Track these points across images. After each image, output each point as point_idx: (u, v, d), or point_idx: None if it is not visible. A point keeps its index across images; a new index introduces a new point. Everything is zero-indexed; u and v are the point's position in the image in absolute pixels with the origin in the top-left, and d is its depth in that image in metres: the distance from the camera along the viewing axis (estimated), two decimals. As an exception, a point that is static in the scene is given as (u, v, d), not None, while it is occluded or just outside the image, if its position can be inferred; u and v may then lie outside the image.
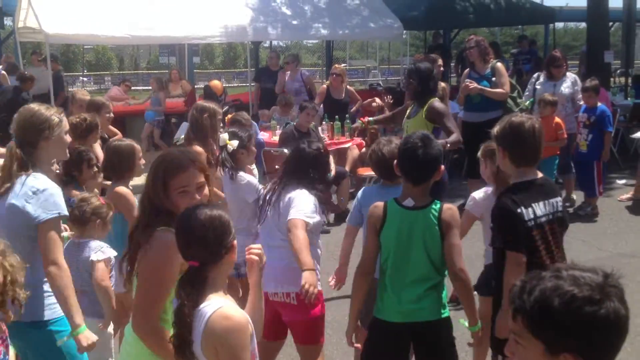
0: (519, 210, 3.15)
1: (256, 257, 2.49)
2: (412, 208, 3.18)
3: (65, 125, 3.40)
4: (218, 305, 2.27)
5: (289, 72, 11.31)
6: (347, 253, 4.17)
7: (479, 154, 4.39)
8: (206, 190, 2.68)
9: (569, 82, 8.39)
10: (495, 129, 3.33)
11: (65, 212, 3.21)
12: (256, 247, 2.52)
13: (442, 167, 3.27)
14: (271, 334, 3.75)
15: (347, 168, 8.58)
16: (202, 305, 2.28)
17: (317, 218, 3.69)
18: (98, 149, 5.47)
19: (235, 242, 2.37)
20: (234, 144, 4.44)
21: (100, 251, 3.82)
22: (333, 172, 7.97)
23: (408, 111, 6.17)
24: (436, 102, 5.89)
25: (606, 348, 1.54)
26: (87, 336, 3.06)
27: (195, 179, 2.65)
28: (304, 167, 3.82)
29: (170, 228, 2.51)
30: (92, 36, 10.78)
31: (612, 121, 8.36)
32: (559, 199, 3.30)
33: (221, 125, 5.77)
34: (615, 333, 1.53)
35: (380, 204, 3.27)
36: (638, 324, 5.05)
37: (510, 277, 3.10)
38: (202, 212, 2.34)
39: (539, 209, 3.20)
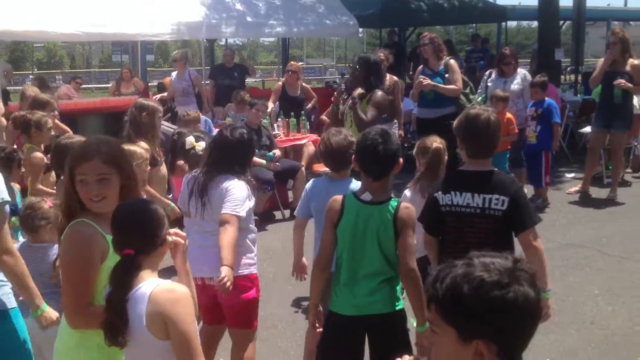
0: (435, 194, 3.35)
1: (181, 240, 2.54)
2: (370, 203, 3.19)
3: (1, 108, 3.34)
4: (156, 283, 2.34)
5: (176, 70, 11.20)
6: (300, 245, 4.20)
7: (414, 152, 4.52)
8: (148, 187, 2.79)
9: (519, 78, 8.53)
10: (455, 121, 3.44)
11: (8, 197, 3.12)
12: (178, 231, 2.58)
13: (401, 160, 3.30)
14: (211, 319, 3.88)
15: (303, 164, 8.60)
16: (136, 288, 2.32)
17: (250, 204, 3.75)
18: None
19: (168, 237, 2.47)
20: (202, 145, 4.41)
21: None
22: (277, 153, 8.00)
23: (349, 103, 6.21)
24: (379, 92, 5.97)
25: (517, 332, 1.55)
26: (49, 314, 3.14)
27: (97, 169, 2.59)
28: (227, 154, 3.81)
29: (85, 220, 2.58)
30: (41, 33, 10.51)
31: (560, 114, 8.54)
32: (496, 196, 3.22)
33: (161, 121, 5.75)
34: (524, 317, 1.53)
35: (339, 197, 3.28)
36: (585, 312, 5.22)
37: (428, 253, 3.49)
38: (139, 204, 2.51)
39: (459, 198, 3.26)
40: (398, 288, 3.31)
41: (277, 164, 7.93)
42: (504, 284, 1.50)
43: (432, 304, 1.59)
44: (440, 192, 3.34)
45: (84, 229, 2.58)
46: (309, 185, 3.96)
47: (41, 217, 3.79)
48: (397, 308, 3.28)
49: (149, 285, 2.32)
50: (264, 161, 7.89)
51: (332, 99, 6.80)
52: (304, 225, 4.16)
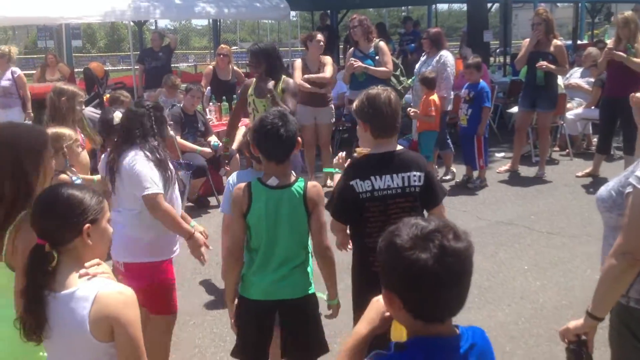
0: (351, 182, 3.26)
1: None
2: (277, 187, 3.15)
3: None
4: (99, 283, 2.19)
5: None
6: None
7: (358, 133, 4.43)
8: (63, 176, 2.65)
9: (434, 61, 8.56)
10: (355, 104, 3.41)
11: None
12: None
13: (300, 140, 3.27)
14: None
15: (235, 148, 8.48)
16: (74, 288, 2.16)
17: (162, 178, 3.67)
18: None
19: (87, 226, 2.22)
20: None
21: None
22: (218, 143, 7.88)
23: (252, 88, 6.15)
24: (291, 80, 6.03)
25: (411, 291, 1.67)
26: None
27: None
28: (132, 127, 3.76)
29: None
30: (-43, 17, 10.05)
31: (491, 97, 8.69)
32: (414, 173, 3.27)
33: (82, 108, 5.57)
34: (416, 280, 1.64)
35: (242, 185, 3.22)
36: (516, 287, 5.35)
37: (337, 241, 3.47)
38: (53, 190, 2.30)
39: (380, 181, 3.25)
40: (310, 271, 3.31)
41: (209, 150, 7.80)
42: (406, 247, 1.65)
43: None
44: (357, 179, 3.26)
45: None
46: (232, 178, 3.86)
47: None
48: (307, 293, 3.27)
49: (90, 286, 2.18)
50: (197, 147, 7.75)
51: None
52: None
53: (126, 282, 2.83)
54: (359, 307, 3.31)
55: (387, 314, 1.89)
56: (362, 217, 3.29)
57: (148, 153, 3.66)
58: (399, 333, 1.83)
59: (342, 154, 3.78)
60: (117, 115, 4.30)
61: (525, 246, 6.25)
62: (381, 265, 1.73)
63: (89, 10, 10.75)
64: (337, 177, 3.55)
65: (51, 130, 4.09)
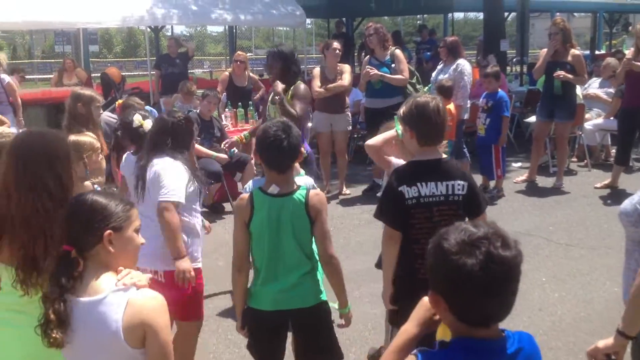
0: (400, 188, 3.22)
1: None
2: (278, 195, 3.13)
3: None
4: (129, 290, 2.18)
5: None
6: None
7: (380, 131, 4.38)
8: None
9: (451, 70, 8.55)
10: (402, 110, 3.38)
11: None
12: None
13: (303, 150, 3.28)
14: None
15: (252, 155, 8.48)
16: (100, 296, 2.16)
17: (190, 188, 3.71)
18: None
19: (108, 232, 2.22)
20: (148, 123, 4.25)
21: None
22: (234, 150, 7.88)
23: (271, 96, 6.13)
24: (302, 85, 5.92)
25: (456, 295, 1.68)
26: None
27: None
28: (163, 136, 3.77)
29: None
30: (-22, 21, 10.15)
31: (510, 106, 8.63)
32: (458, 182, 3.26)
33: (101, 112, 5.59)
34: (459, 284, 1.65)
35: (245, 195, 3.22)
36: (534, 299, 5.28)
37: (385, 249, 3.35)
38: (80, 196, 2.30)
39: (425, 188, 3.22)
40: (320, 279, 3.28)
41: (225, 156, 7.79)
42: (452, 251, 1.66)
43: None
44: (404, 185, 3.22)
45: None
46: (248, 186, 3.84)
47: None
48: (319, 301, 3.25)
49: (122, 291, 2.17)
50: (213, 153, 7.75)
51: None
52: None
53: (165, 291, 2.85)
54: (402, 314, 3.29)
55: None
56: (409, 224, 3.27)
57: (178, 162, 3.68)
58: (445, 333, 1.82)
59: None
60: (137, 118, 4.30)
61: (544, 257, 6.17)
62: (428, 267, 1.77)
63: (107, 15, 10.84)
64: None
65: (71, 138, 4.09)
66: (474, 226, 1.71)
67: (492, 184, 8.38)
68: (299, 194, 3.14)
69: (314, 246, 3.25)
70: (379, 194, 4.29)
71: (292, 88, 5.84)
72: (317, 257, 3.26)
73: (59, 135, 2.58)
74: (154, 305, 2.19)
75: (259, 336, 3.26)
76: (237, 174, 8.10)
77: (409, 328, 1.92)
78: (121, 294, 2.17)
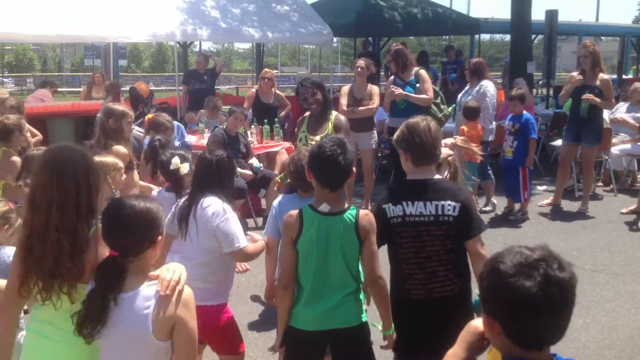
0: (384, 205, 3.27)
1: None
2: (329, 214, 3.11)
3: None
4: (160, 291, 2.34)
5: None
6: (272, 269, 4.03)
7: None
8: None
9: (474, 91, 8.57)
10: (395, 134, 3.42)
11: None
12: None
13: (354, 169, 3.24)
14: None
15: (276, 172, 8.53)
16: (135, 290, 2.33)
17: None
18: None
19: (160, 237, 2.42)
20: (185, 167, 4.30)
21: None
22: (256, 162, 7.92)
23: (305, 124, 6.16)
24: (341, 116, 5.99)
25: (512, 318, 1.68)
26: None
27: None
28: (207, 175, 3.78)
29: None
30: (12, 34, 10.34)
31: (536, 128, 8.59)
32: (448, 202, 3.22)
33: (132, 128, 5.67)
34: (518, 306, 1.65)
35: (295, 212, 3.18)
36: (557, 325, 5.23)
37: None
38: (130, 202, 2.41)
39: (412, 207, 3.22)
40: (362, 299, 3.25)
41: (250, 172, 7.84)
42: (509, 274, 1.66)
43: None
44: (389, 204, 3.26)
45: None
46: (276, 202, 3.85)
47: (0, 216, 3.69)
48: (360, 322, 3.21)
49: (152, 285, 2.34)
50: (238, 169, 7.80)
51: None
52: (277, 246, 3.94)
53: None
54: (400, 338, 3.27)
55: (485, 339, 1.89)
56: (396, 243, 3.28)
57: (227, 204, 3.69)
58: (494, 357, 1.83)
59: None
60: (176, 162, 4.32)
61: (568, 282, 6.12)
62: (483, 290, 1.77)
63: (138, 30, 10.99)
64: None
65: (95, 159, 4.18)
66: (529, 249, 1.72)
67: (516, 206, 8.33)
68: (349, 214, 3.11)
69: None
70: None
71: (332, 118, 5.87)
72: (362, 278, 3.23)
73: (86, 148, 2.64)
74: (182, 299, 2.34)
75: (297, 356, 3.23)
76: (261, 190, 8.14)
77: (458, 352, 1.92)
78: (153, 289, 2.33)
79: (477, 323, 1.91)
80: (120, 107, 5.51)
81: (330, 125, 5.82)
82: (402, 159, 3.38)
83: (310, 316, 3.14)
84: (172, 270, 2.40)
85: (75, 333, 2.33)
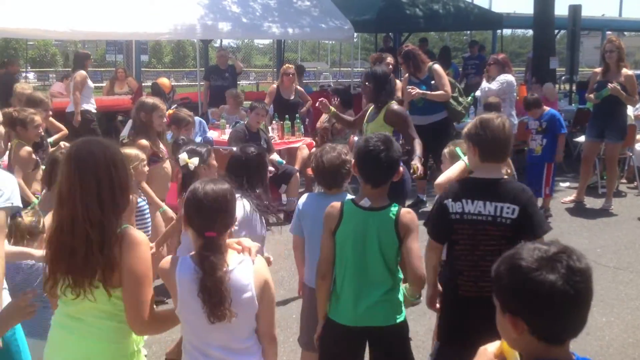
0: (445, 201, 3.26)
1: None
2: (369, 209, 3.12)
3: None
4: (245, 258, 2.64)
5: None
6: (303, 264, 4.01)
7: (445, 151, 4.33)
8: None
9: (496, 84, 8.61)
10: (466, 127, 3.39)
11: (20, 203, 2.99)
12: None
13: (401, 169, 3.25)
14: None
15: (297, 167, 8.55)
16: (232, 265, 2.58)
17: (257, 232, 3.71)
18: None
19: (236, 217, 2.74)
20: (194, 162, 4.32)
21: None
22: (282, 161, 7.94)
23: (368, 113, 6.17)
24: (395, 105, 5.92)
25: (541, 314, 1.67)
26: None
27: None
28: (238, 172, 3.81)
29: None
30: (35, 30, 10.42)
31: (563, 123, 8.53)
32: (507, 204, 3.17)
33: (165, 121, 5.69)
34: (546, 302, 1.64)
35: (337, 204, 3.22)
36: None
37: (426, 258, 3.39)
38: (212, 187, 2.61)
39: (471, 206, 3.20)
40: (401, 298, 3.25)
41: (272, 168, 7.87)
42: (533, 269, 1.65)
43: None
44: (450, 200, 3.25)
45: (139, 231, 2.65)
46: (301, 201, 3.84)
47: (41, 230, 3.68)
48: (399, 321, 3.22)
49: (246, 261, 2.63)
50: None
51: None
52: (302, 242, 3.93)
53: None
54: (444, 330, 3.29)
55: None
56: (452, 240, 3.28)
57: (253, 201, 3.72)
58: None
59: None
60: (183, 158, 4.35)
61: (591, 280, 6.07)
62: (502, 289, 1.74)
63: (161, 27, 11.04)
64: None
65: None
66: (545, 244, 1.72)
67: (539, 202, 8.28)
68: (390, 211, 3.11)
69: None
70: (422, 210, 4.30)
71: (385, 108, 5.86)
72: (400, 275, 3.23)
73: (112, 142, 2.65)
74: (265, 266, 2.70)
75: (334, 349, 3.25)
76: (282, 185, 8.16)
77: None
78: (248, 263, 2.63)
79: (488, 347, 1.88)
80: (152, 100, 5.51)
81: (381, 115, 5.81)
82: (470, 153, 3.35)
83: (349, 311, 3.16)
84: (248, 242, 2.72)
85: (211, 320, 2.50)
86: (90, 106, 10.35)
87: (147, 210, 5.06)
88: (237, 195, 3.66)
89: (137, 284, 2.48)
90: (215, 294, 2.48)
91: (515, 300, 1.70)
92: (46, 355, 2.64)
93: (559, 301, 1.64)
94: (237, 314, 2.54)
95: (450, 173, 3.75)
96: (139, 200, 4.69)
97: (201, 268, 2.51)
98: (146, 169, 4.68)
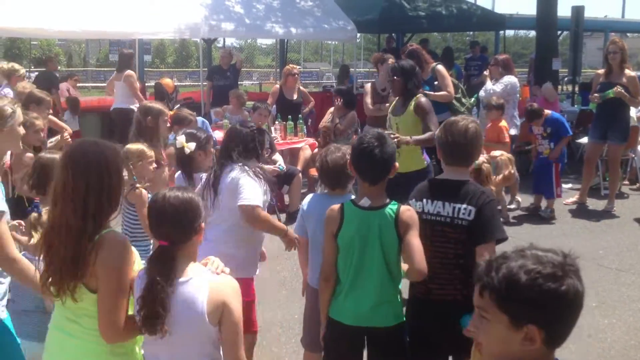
0: (410, 200, 3.32)
1: None
2: (369, 208, 3.13)
3: (19, 117, 3.28)
4: (208, 274, 2.50)
5: None
6: (305, 265, 4.00)
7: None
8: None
9: (500, 85, 8.63)
10: (437, 131, 3.45)
11: (5, 208, 2.97)
12: None
13: (397, 164, 3.25)
14: None
15: (300, 168, 8.55)
16: (186, 277, 2.45)
17: (264, 198, 3.90)
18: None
19: (203, 224, 2.56)
20: (191, 146, 4.34)
21: None
22: (280, 160, 7.96)
23: (391, 106, 6.18)
24: (423, 98, 5.93)
25: (564, 320, 1.68)
26: None
27: None
28: (235, 144, 3.96)
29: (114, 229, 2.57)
30: (39, 30, 10.45)
31: (567, 124, 8.54)
32: (464, 205, 3.15)
33: (168, 126, 5.68)
34: (572, 307, 1.66)
35: (337, 206, 3.22)
36: (583, 324, 5.18)
37: None
38: (175, 194, 2.52)
39: (430, 206, 3.24)
40: (400, 300, 3.27)
41: (276, 168, 7.87)
42: (559, 276, 1.64)
43: (485, 291, 1.71)
44: (413, 199, 3.31)
45: (122, 237, 2.60)
46: (305, 202, 3.86)
47: None
48: (398, 321, 3.23)
49: (203, 274, 2.49)
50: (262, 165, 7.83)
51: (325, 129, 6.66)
52: (306, 243, 3.92)
53: None
54: (412, 334, 3.28)
55: None
56: None
57: (251, 170, 3.84)
58: None
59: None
60: (180, 141, 4.36)
61: (593, 282, 6.05)
62: (524, 302, 1.64)
63: (164, 26, 11.06)
64: None
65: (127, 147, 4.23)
66: (540, 250, 1.71)
67: (543, 203, 8.29)
68: (390, 209, 3.12)
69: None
70: None
71: (413, 101, 5.87)
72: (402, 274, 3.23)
73: (111, 146, 2.61)
74: (231, 286, 2.51)
75: (336, 348, 3.28)
76: (285, 186, 8.17)
77: None
78: (202, 278, 2.46)
79: None
80: (157, 105, 5.49)
81: (411, 107, 5.81)
82: (438, 154, 3.39)
83: (350, 310, 3.18)
84: (217, 260, 2.61)
85: (143, 331, 2.41)
86: (135, 105, 10.43)
87: None
88: (236, 166, 3.82)
89: (110, 289, 2.45)
90: (146, 305, 2.38)
91: (540, 310, 1.64)
92: (45, 357, 2.66)
93: (579, 304, 1.67)
94: (177, 331, 2.43)
95: None
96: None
97: (145, 274, 2.45)
98: (152, 166, 4.64)
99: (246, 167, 3.87)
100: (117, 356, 2.57)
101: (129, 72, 10.32)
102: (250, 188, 3.80)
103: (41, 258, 2.56)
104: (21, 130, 3.33)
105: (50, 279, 2.50)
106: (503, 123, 8.05)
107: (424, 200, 3.26)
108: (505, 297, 1.66)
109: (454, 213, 3.18)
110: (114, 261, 2.46)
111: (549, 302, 1.63)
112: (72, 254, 2.43)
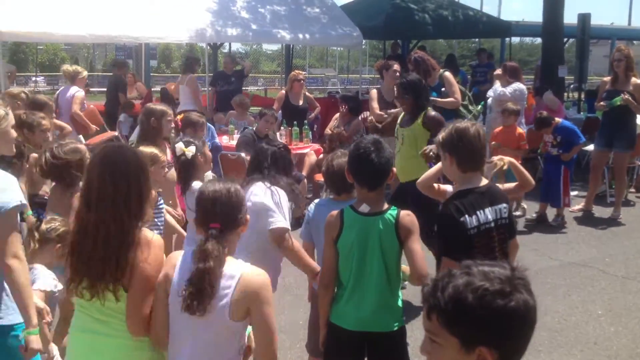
0: (462, 218, 3.14)
1: None
2: (368, 214, 3.13)
3: (11, 119, 3.30)
4: (244, 264, 2.52)
5: None
6: (311, 261, 3.98)
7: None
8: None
9: (509, 91, 8.71)
10: (441, 136, 3.34)
11: (25, 200, 3.03)
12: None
13: (395, 170, 3.25)
14: None
15: (305, 173, 8.55)
16: (225, 267, 2.47)
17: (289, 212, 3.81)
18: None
19: (248, 217, 2.64)
20: (192, 150, 4.34)
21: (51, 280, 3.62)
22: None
23: (400, 118, 6.19)
24: (432, 111, 5.95)
25: (517, 338, 1.58)
26: (38, 340, 2.92)
27: None
28: (261, 163, 3.88)
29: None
30: (46, 34, 10.47)
31: (577, 131, 8.52)
32: (503, 205, 3.26)
33: (172, 126, 5.69)
34: (524, 323, 1.56)
35: (336, 212, 3.22)
36: (588, 332, 5.16)
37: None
38: (225, 184, 2.62)
39: (484, 215, 3.18)
40: (400, 305, 3.26)
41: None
42: (507, 292, 1.54)
43: (433, 313, 1.59)
44: (466, 216, 3.14)
45: (157, 236, 2.65)
46: (310, 208, 3.84)
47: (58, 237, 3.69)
48: (399, 326, 3.23)
49: (236, 265, 2.50)
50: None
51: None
52: (312, 248, 3.92)
53: None
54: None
55: None
56: (469, 254, 3.18)
57: (278, 188, 3.74)
58: None
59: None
60: (180, 147, 4.36)
61: (600, 290, 6.03)
62: (472, 322, 1.54)
63: (170, 31, 11.08)
64: None
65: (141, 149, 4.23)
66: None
67: (549, 211, 8.26)
68: (390, 214, 3.12)
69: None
70: None
71: (422, 115, 5.87)
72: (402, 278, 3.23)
73: (139, 151, 2.75)
74: (262, 280, 2.50)
75: (337, 353, 3.27)
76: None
77: None
78: (232, 269, 2.48)
79: None
80: (160, 106, 5.54)
81: (419, 121, 5.82)
82: (446, 162, 3.32)
83: (351, 316, 3.17)
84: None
85: (183, 309, 2.41)
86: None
87: (163, 205, 5.04)
88: (267, 185, 3.74)
89: (145, 285, 2.54)
90: (196, 282, 2.41)
91: (490, 329, 1.54)
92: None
93: (532, 319, 1.57)
94: (205, 322, 2.46)
95: (430, 173, 3.79)
96: (159, 202, 4.70)
97: (195, 257, 2.46)
98: (165, 171, 4.66)
99: (272, 184, 3.77)
100: (151, 350, 2.62)
101: (191, 75, 10.47)
102: (274, 208, 3.67)
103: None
104: (13, 133, 3.34)
105: (83, 283, 2.54)
106: (519, 130, 8.10)
107: (478, 212, 3.17)
108: (453, 319, 1.56)
109: (497, 215, 3.23)
110: (153, 257, 2.55)
111: (498, 320, 1.53)
112: (114, 255, 2.49)
